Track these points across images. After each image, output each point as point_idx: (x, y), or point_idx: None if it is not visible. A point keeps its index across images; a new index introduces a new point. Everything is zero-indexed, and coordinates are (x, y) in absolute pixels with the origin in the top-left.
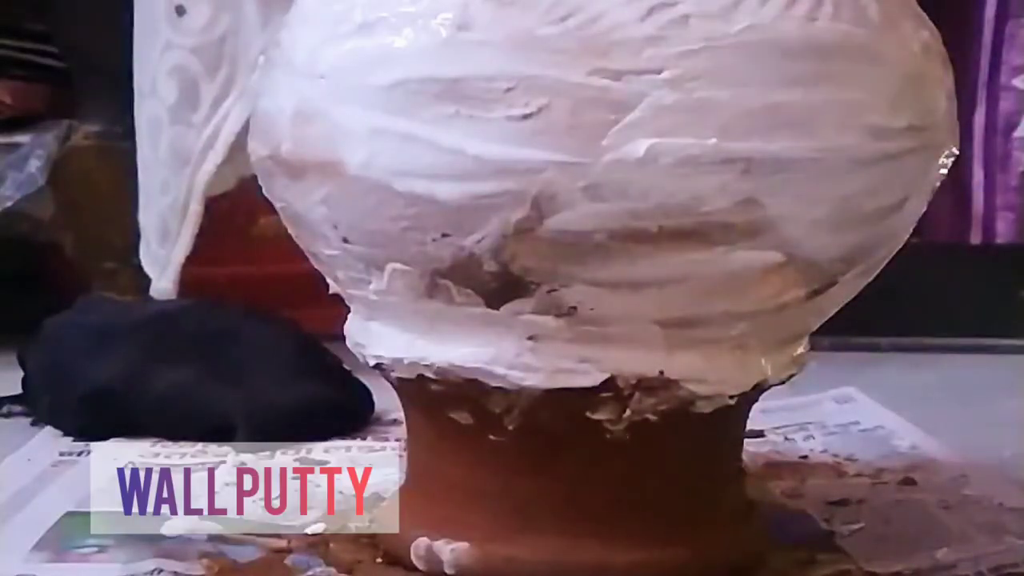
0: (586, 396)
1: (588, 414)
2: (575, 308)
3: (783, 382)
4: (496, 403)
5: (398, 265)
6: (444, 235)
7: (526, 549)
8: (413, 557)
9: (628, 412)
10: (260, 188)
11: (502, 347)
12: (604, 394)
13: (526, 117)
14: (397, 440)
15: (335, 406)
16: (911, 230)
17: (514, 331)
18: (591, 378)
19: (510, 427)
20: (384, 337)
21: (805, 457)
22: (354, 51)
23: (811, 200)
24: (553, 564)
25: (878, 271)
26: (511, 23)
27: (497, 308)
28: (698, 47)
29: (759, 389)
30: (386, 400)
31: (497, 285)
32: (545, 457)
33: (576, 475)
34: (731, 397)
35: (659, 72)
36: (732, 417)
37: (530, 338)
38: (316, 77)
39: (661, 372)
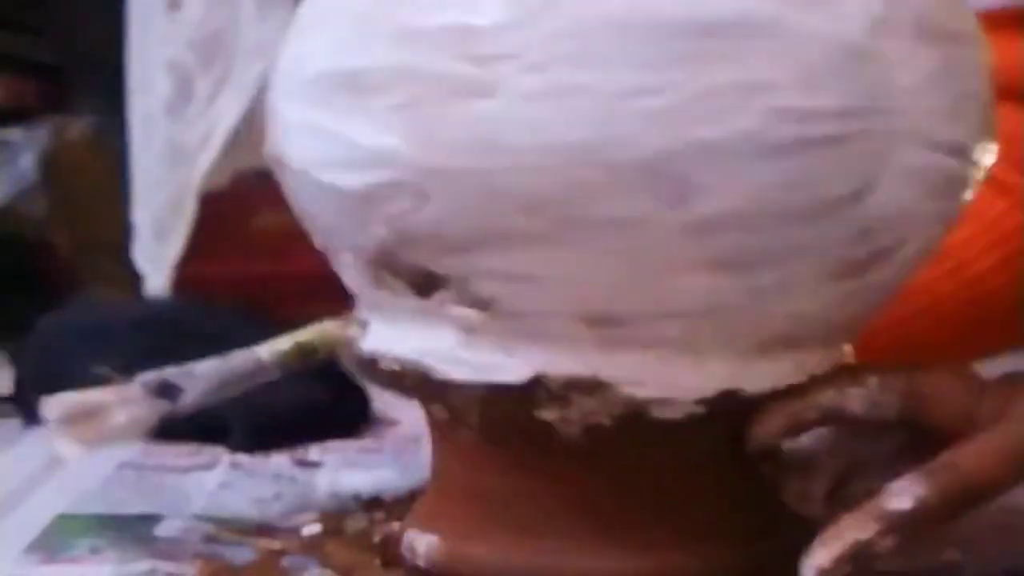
0: (525, 395)
1: (536, 414)
2: (491, 301)
3: (779, 392)
4: (453, 397)
5: (347, 255)
6: (361, 224)
7: (494, 548)
8: (403, 549)
9: (574, 413)
10: (256, 184)
11: (440, 339)
12: (540, 394)
13: (401, 106)
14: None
15: (332, 407)
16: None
17: (448, 324)
18: (516, 374)
19: (472, 422)
20: (371, 330)
21: None
22: (296, 48)
23: (729, 192)
24: (519, 566)
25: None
26: (398, 15)
27: (428, 299)
28: (565, 28)
29: (737, 399)
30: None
31: (419, 276)
32: (508, 455)
33: (540, 477)
34: (696, 404)
35: (521, 56)
36: (710, 427)
37: (464, 331)
38: (275, 75)
39: (594, 373)
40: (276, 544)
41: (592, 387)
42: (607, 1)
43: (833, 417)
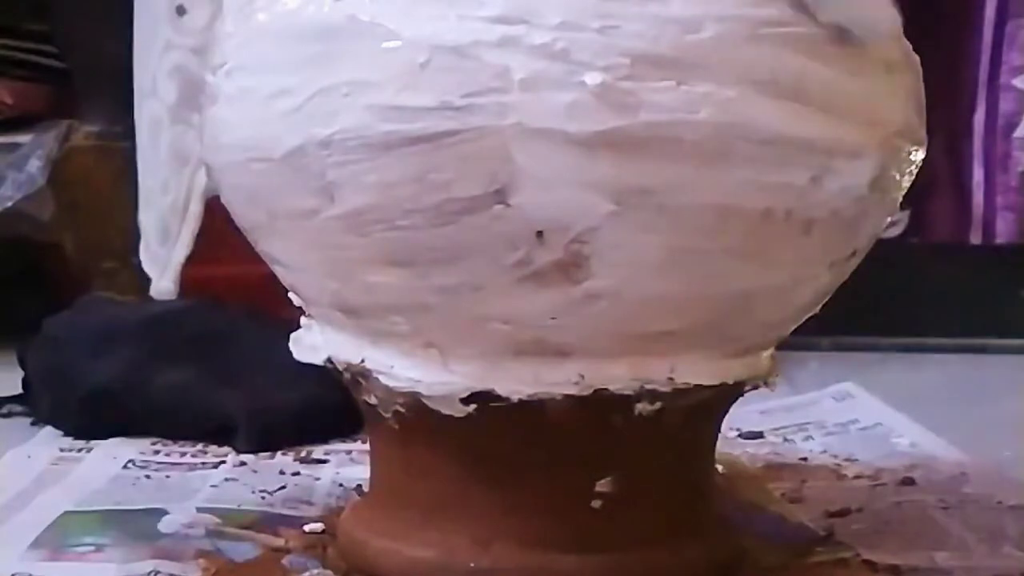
0: (347, 378)
1: (362, 398)
2: (287, 286)
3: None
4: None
5: None
6: None
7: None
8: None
9: (372, 398)
10: None
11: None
12: (344, 377)
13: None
14: None
15: (335, 407)
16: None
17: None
18: (319, 356)
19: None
20: None
21: (804, 459)
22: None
23: (363, 188)
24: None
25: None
26: None
27: None
28: (245, 38)
29: (502, 400)
30: None
31: None
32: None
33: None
34: (462, 402)
35: (227, 64)
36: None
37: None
38: None
39: (362, 360)
40: (278, 541)
41: (364, 374)
42: (269, 10)
43: None
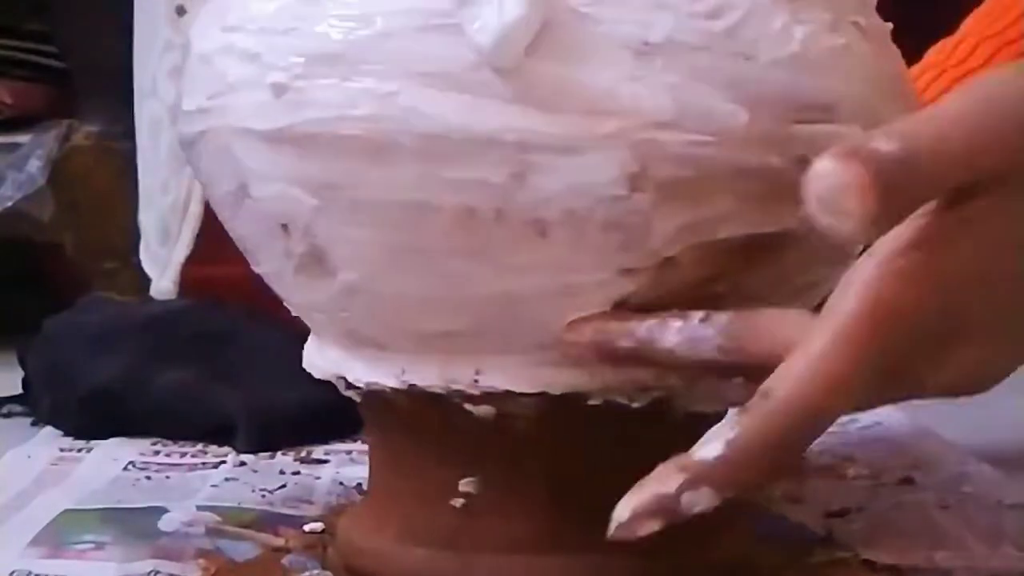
0: None
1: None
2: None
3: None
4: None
5: None
6: None
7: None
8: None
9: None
10: None
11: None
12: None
13: None
14: None
15: (336, 408)
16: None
17: None
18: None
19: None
20: None
21: (804, 459)
22: None
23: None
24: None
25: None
26: None
27: None
28: None
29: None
30: None
31: None
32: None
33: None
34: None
35: None
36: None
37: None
38: None
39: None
40: (279, 540)
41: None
42: None
43: (647, 353)
